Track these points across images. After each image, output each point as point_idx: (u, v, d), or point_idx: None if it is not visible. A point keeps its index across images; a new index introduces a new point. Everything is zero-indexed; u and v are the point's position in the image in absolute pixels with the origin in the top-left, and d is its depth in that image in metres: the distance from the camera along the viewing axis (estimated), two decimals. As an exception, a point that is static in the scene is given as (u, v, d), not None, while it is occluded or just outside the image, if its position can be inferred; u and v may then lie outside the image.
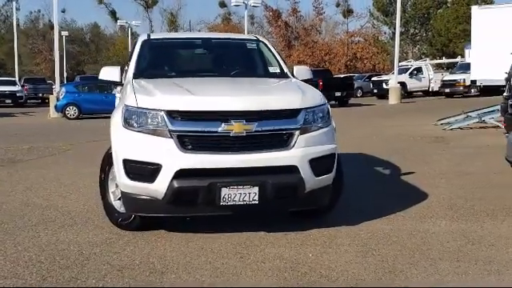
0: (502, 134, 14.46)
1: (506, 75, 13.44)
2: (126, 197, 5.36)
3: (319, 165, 5.35)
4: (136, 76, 6.22)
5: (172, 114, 5.09)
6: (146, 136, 5.13)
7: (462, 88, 35.19)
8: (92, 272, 4.59)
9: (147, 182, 5.12)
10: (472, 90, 35.29)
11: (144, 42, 6.73)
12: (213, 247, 5.20)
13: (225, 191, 5.06)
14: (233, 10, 67.12)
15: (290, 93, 5.67)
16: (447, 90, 35.99)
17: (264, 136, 5.17)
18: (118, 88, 7.58)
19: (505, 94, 13.45)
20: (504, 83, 21.95)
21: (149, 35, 6.99)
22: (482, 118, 15.80)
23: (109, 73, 6.47)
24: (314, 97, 5.55)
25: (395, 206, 6.63)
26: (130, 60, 6.61)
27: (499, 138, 13.76)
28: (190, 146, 5.07)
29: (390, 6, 51.03)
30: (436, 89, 37.69)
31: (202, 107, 5.12)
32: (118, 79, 6.36)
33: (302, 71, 6.77)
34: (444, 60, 42.95)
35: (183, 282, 4.41)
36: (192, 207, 5.25)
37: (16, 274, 4.55)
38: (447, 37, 45.75)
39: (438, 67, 42.03)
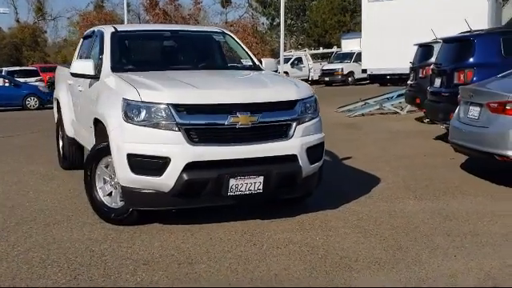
0: (404, 119, 15.57)
1: (411, 65, 14.40)
2: (127, 191, 5.34)
3: (313, 153, 5.66)
4: (114, 69, 6.15)
5: (178, 108, 5.14)
6: (152, 130, 5.15)
7: (340, 77, 36.87)
8: (119, 267, 4.58)
9: (154, 175, 5.15)
10: (349, 79, 37.19)
11: (113, 35, 6.64)
12: (221, 237, 5.32)
13: (232, 182, 5.21)
14: (106, -4, 65.25)
15: (286, 85, 5.90)
16: (327, 79, 37.59)
17: (267, 127, 5.38)
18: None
19: (409, 81, 14.45)
20: (390, 72, 23.51)
21: (115, 27, 6.89)
22: (383, 105, 16.80)
23: (82, 66, 6.32)
24: (306, 88, 5.83)
25: (357, 190, 7.05)
26: (100, 53, 6.50)
27: (405, 122, 14.84)
28: (197, 139, 5.16)
29: (267, -3, 52.22)
30: (316, 78, 39.17)
31: (210, 100, 5.23)
32: (92, 73, 6.24)
33: (271, 63, 7.01)
34: (322, 50, 44.67)
35: (216, 270, 4.52)
36: (197, 199, 5.34)
37: (41, 275, 4.45)
38: (323, 28, 47.63)
39: (315, 57, 43.67)
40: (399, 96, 17.40)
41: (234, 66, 7.06)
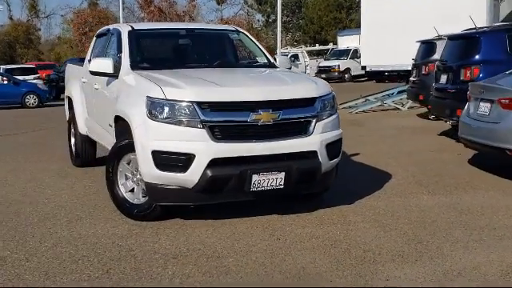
0: (406, 115, 15.70)
1: (413, 61, 14.52)
2: (152, 187, 5.43)
3: (332, 149, 5.77)
4: (134, 67, 6.24)
5: (202, 105, 5.24)
6: (176, 127, 5.24)
7: (336, 74, 36.96)
8: (149, 261, 4.67)
9: (179, 171, 5.25)
10: (346, 76, 37.32)
11: (130, 33, 6.72)
12: (244, 232, 5.42)
13: (255, 177, 5.32)
14: (100, -7, 65.09)
15: (305, 82, 6.00)
16: (323, 76, 37.55)
17: (288, 124, 5.48)
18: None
19: (411, 78, 14.58)
20: (389, 68, 23.65)
21: (132, 26, 6.97)
22: (384, 102, 16.94)
23: (101, 65, 6.40)
24: (324, 86, 5.94)
25: (370, 185, 7.15)
26: (118, 51, 6.58)
27: (407, 119, 14.97)
28: (220, 136, 5.26)
29: (263, -6, 52.32)
30: (312, 75, 39.23)
31: (233, 98, 5.33)
32: (111, 71, 6.32)
33: (284, 61, 7.12)
34: (318, 47, 44.80)
35: (244, 264, 4.62)
36: (219, 194, 5.43)
37: (73, 270, 4.53)
38: (319, 24, 47.77)
39: (311, 54, 43.80)
40: (400, 92, 17.55)
41: (250, 63, 7.14)
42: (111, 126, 6.40)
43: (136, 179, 5.82)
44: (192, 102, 5.22)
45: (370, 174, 8.06)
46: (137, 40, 6.66)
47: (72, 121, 8.73)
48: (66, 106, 9.22)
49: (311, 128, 5.58)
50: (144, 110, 5.36)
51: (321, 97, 5.70)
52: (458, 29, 14.94)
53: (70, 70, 9.35)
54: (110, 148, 6.77)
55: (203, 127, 5.21)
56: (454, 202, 6.42)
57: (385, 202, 6.44)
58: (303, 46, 45.13)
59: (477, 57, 9.66)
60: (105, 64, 6.36)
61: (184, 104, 5.23)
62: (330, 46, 43.08)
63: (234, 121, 5.30)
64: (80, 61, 9.41)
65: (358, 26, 43.35)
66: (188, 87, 5.37)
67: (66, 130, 9.46)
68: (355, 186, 7.21)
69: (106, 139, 6.93)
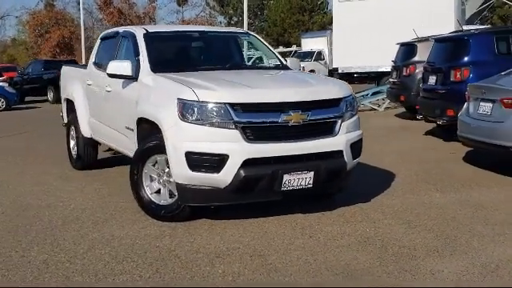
0: (384, 115, 16.02)
1: (393, 63, 14.86)
2: (183, 188, 5.49)
3: (355, 149, 5.94)
4: (155, 70, 6.28)
5: (235, 107, 5.33)
6: (209, 128, 5.31)
7: (301, 75, 37.20)
8: (194, 260, 4.73)
9: (212, 172, 5.32)
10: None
11: (146, 36, 6.75)
12: (275, 231, 5.52)
13: (286, 177, 5.44)
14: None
15: (330, 84, 6.16)
16: (288, 77, 37.91)
17: (316, 124, 5.62)
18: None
19: (391, 79, 14.92)
20: (360, 70, 24.03)
21: (145, 29, 6.99)
22: (361, 102, 17.24)
23: (119, 67, 6.41)
24: (347, 87, 6.10)
25: (378, 184, 7.32)
26: (135, 54, 6.59)
27: (387, 119, 15.31)
28: (252, 137, 5.35)
29: (226, -3, 52.42)
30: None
31: (265, 99, 5.44)
32: (130, 73, 6.34)
33: (295, 63, 7.26)
34: (281, 49, 45.06)
35: (289, 261, 4.72)
36: (250, 194, 5.53)
37: (121, 271, 4.56)
38: (282, 27, 48.15)
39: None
40: (374, 94, 17.89)
41: (264, 65, 7.25)
42: (130, 128, 6.42)
43: (163, 180, 5.87)
44: (225, 103, 5.30)
45: (374, 173, 8.24)
46: (154, 43, 6.68)
47: (72, 123, 8.67)
48: (64, 109, 9.14)
49: (337, 128, 5.72)
50: (175, 111, 5.41)
51: (345, 97, 5.86)
52: (428, 32, 15.47)
53: (69, 72, 9.28)
54: (123, 150, 6.84)
55: (236, 128, 5.29)
56: (465, 199, 6.65)
57: (399, 200, 6.62)
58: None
59: (466, 58, 9.98)
60: (123, 67, 6.37)
61: (217, 106, 5.30)
62: (294, 48, 43.42)
63: (266, 122, 5.41)
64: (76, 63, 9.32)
65: (321, 29, 44.03)
66: (221, 89, 5.45)
67: (47, 133, 9.39)
68: (365, 184, 7.36)
69: (120, 141, 6.94)
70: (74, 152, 8.76)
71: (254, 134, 5.35)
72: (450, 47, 10.78)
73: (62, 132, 11.72)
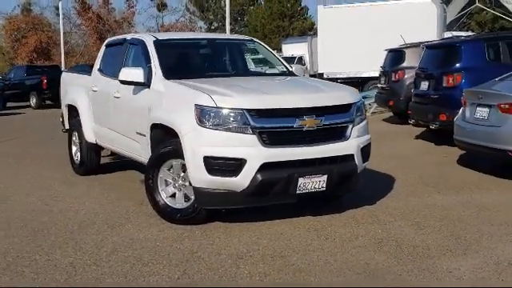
0: (372, 120, 16.27)
1: (381, 69, 15.14)
2: (200, 192, 5.62)
3: (365, 152, 6.14)
4: (168, 77, 6.41)
5: (252, 112, 5.49)
6: (227, 133, 5.46)
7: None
8: (218, 262, 4.86)
9: (230, 176, 5.47)
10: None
11: (156, 43, 6.87)
12: (290, 232, 5.68)
13: (301, 181, 5.61)
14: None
15: (341, 89, 6.36)
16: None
17: (329, 129, 5.80)
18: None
19: (380, 85, 15.20)
20: (345, 76, 24.31)
21: (155, 36, 7.11)
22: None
23: (131, 74, 6.52)
24: (356, 93, 6.32)
25: (380, 187, 7.52)
26: (146, 61, 6.71)
27: (375, 124, 15.46)
28: (268, 141, 5.52)
29: (206, 2, 52.46)
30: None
31: (281, 105, 5.61)
32: (142, 80, 6.46)
33: (299, 69, 7.44)
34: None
35: (311, 262, 4.88)
36: (265, 197, 5.69)
37: (150, 272, 4.67)
38: (263, 32, 48.40)
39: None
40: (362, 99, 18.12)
41: (272, 72, 7.43)
42: (141, 133, 6.54)
43: (178, 185, 5.99)
44: (242, 109, 5.46)
45: (375, 176, 8.40)
46: (164, 50, 6.80)
47: (75, 129, 8.73)
48: (66, 115, 9.20)
49: (348, 132, 5.91)
50: (192, 117, 5.55)
51: (355, 103, 6.06)
52: (412, 38, 15.81)
53: (70, 78, 9.35)
54: (132, 155, 6.95)
55: (253, 133, 5.45)
56: (467, 201, 6.88)
57: (403, 202, 6.83)
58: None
59: (458, 64, 10.26)
60: (136, 73, 6.49)
61: (235, 111, 5.46)
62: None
63: (282, 127, 5.58)
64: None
65: (302, 34, 44.33)
66: (238, 95, 5.61)
67: (38, 139, 9.41)
68: (368, 187, 7.51)
69: (130, 147, 7.05)
70: (76, 158, 8.82)
71: (270, 138, 5.52)
72: (442, 53, 11.07)
73: (53, 137, 11.84)
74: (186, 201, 5.95)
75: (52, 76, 25.75)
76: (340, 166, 5.83)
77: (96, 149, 8.45)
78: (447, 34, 21.71)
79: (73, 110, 8.82)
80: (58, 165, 9.48)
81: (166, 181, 6.06)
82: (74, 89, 8.80)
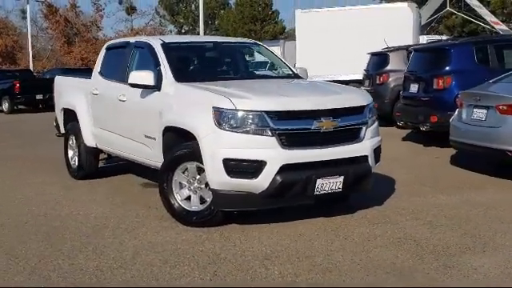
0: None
1: (365, 72, 15.34)
2: (218, 194, 5.63)
3: (376, 153, 6.25)
4: (179, 80, 6.41)
5: (271, 114, 5.54)
6: (247, 136, 5.50)
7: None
8: (245, 263, 4.88)
9: (249, 178, 5.50)
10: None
11: (164, 46, 6.86)
12: (308, 233, 5.71)
13: (319, 182, 5.68)
14: (-1, 3, 62.30)
15: (353, 92, 6.45)
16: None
17: (345, 131, 5.89)
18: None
19: (363, 87, 15.35)
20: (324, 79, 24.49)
21: (162, 39, 7.10)
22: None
23: (141, 77, 6.49)
24: (367, 95, 6.41)
25: (381, 188, 7.55)
26: (155, 65, 6.70)
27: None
28: (287, 143, 5.57)
29: (176, 6, 52.28)
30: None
31: (300, 107, 5.67)
32: (153, 83, 6.45)
33: (304, 72, 7.51)
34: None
35: (337, 262, 4.94)
36: (283, 199, 5.73)
37: (179, 275, 4.67)
38: (234, 36, 48.39)
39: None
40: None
41: (280, 74, 7.48)
42: (151, 137, 6.53)
43: (193, 187, 6.00)
44: (262, 111, 5.50)
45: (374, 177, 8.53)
46: (173, 53, 6.80)
47: (72, 133, 8.65)
48: (61, 120, 9.11)
49: (362, 134, 6.01)
50: (211, 119, 5.57)
51: (368, 105, 6.15)
52: (390, 42, 16.06)
53: (66, 82, 9.25)
54: (139, 159, 6.93)
55: (273, 135, 5.49)
56: (470, 200, 7.03)
57: (409, 203, 6.93)
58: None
59: (448, 67, 10.47)
60: (146, 76, 6.46)
61: (254, 113, 5.49)
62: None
63: (300, 128, 5.64)
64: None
65: (273, 38, 44.49)
66: (257, 97, 5.65)
67: (25, 143, 9.25)
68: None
69: (137, 150, 7.02)
70: (73, 162, 8.73)
71: (288, 140, 5.57)
72: (432, 57, 11.29)
73: (37, 142, 11.68)
74: (201, 203, 5.94)
75: (24, 80, 25.41)
76: (355, 167, 5.92)
77: (95, 153, 8.40)
78: (422, 38, 22.12)
79: (69, 114, 8.73)
80: (52, 169, 9.35)
81: (180, 183, 6.05)
82: (72, 92, 8.71)
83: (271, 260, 4.98)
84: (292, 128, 5.60)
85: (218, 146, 5.52)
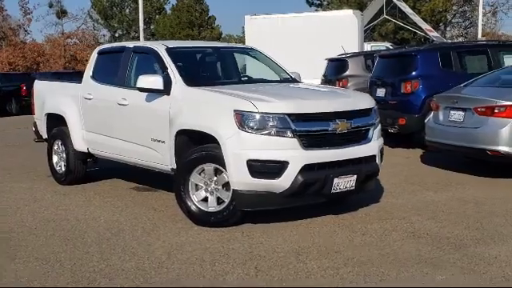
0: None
1: (323, 78, 15.78)
2: (240, 194, 5.81)
3: (382, 153, 6.59)
4: (189, 84, 6.55)
5: (291, 117, 5.78)
6: (270, 137, 5.72)
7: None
8: (277, 260, 5.07)
9: (272, 178, 5.72)
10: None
11: (169, 51, 6.96)
12: (324, 231, 5.95)
13: (336, 181, 5.96)
14: None
15: (360, 95, 6.79)
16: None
17: (357, 132, 6.20)
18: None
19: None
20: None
21: (165, 44, 7.20)
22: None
23: (151, 82, 6.56)
24: (371, 98, 6.75)
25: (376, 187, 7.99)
26: (163, 69, 6.80)
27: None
28: (307, 144, 5.83)
29: (110, 10, 51.51)
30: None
31: (319, 109, 5.95)
32: (161, 87, 6.55)
33: (298, 76, 7.79)
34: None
35: (363, 257, 5.22)
36: (301, 197, 5.98)
37: (223, 272, 4.82)
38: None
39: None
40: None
41: (281, 78, 7.71)
42: (160, 140, 6.62)
43: (210, 188, 6.14)
44: (283, 113, 5.73)
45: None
46: (178, 58, 6.91)
47: (58, 138, 8.57)
48: (44, 125, 8.98)
49: (371, 135, 6.34)
50: (233, 122, 5.75)
51: (374, 107, 6.49)
52: (336, 49, 16.63)
53: (49, 87, 9.09)
54: (143, 162, 7.00)
55: (294, 136, 5.73)
56: (460, 196, 7.45)
57: (404, 200, 7.30)
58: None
59: (415, 72, 10.99)
60: (155, 81, 6.54)
61: (277, 116, 5.72)
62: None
63: (318, 130, 5.91)
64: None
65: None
66: (278, 100, 5.88)
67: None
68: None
69: (141, 154, 7.06)
70: (58, 167, 8.65)
71: (308, 141, 5.82)
72: (398, 62, 11.81)
73: (14, 147, 11.40)
74: (219, 204, 6.09)
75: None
76: (366, 166, 6.24)
77: (84, 158, 8.35)
78: (366, 45, 22.86)
79: (54, 119, 8.63)
80: (31, 175, 9.21)
81: (196, 185, 6.17)
82: (57, 97, 8.61)
83: (304, 255, 5.19)
84: (311, 129, 5.86)
85: (241, 148, 5.69)
